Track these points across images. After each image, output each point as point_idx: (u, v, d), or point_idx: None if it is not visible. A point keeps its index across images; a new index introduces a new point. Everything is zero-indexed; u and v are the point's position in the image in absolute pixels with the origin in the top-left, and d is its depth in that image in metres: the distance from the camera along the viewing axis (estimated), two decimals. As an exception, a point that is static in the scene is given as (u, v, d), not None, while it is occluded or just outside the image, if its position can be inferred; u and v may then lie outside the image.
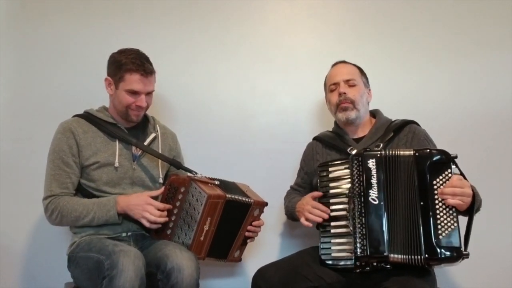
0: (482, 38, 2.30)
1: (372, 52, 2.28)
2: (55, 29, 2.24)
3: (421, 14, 2.32)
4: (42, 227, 2.14)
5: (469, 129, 2.26)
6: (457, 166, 1.60)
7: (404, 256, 1.55)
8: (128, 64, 1.74)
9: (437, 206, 1.54)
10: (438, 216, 1.53)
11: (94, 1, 2.26)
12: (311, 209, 1.73)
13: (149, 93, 1.82)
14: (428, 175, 1.56)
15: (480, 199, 1.65)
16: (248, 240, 1.89)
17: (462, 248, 1.52)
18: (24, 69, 2.23)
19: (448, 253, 1.51)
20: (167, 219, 1.72)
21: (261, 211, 1.87)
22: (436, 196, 1.55)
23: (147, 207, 1.68)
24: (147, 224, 1.68)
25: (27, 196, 2.12)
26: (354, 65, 1.97)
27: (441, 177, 1.56)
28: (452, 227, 1.52)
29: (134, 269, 1.48)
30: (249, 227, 1.84)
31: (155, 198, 1.73)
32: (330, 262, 1.69)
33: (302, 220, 1.75)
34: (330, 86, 1.94)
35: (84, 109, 1.89)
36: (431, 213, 1.54)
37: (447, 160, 1.57)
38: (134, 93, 1.77)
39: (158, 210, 1.68)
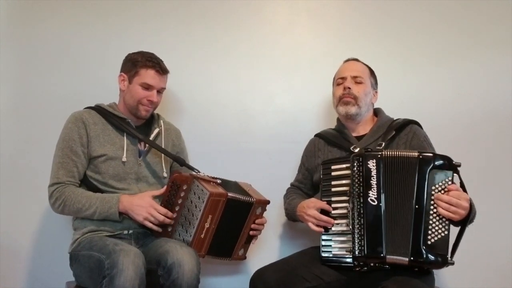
0: (483, 38, 2.30)
1: (372, 52, 2.27)
2: (55, 29, 2.24)
3: (421, 14, 2.31)
4: (43, 227, 2.15)
5: (470, 129, 2.26)
6: (458, 175, 1.58)
7: (400, 258, 1.56)
8: (144, 61, 1.83)
9: (431, 212, 1.54)
10: (431, 222, 1.54)
11: (94, 1, 2.26)
12: (318, 216, 1.72)
13: (159, 91, 1.88)
14: (427, 180, 1.55)
15: (475, 211, 1.62)
16: (253, 240, 1.90)
17: (448, 256, 1.52)
18: (24, 70, 2.23)
19: (433, 258, 1.51)
20: (169, 220, 1.74)
21: (264, 209, 1.88)
22: (432, 202, 1.54)
23: (150, 210, 1.69)
24: (150, 225, 1.70)
25: (28, 196, 2.12)
26: (366, 65, 1.97)
27: (440, 183, 1.55)
28: (443, 234, 1.52)
29: (134, 268, 1.49)
30: (252, 225, 1.85)
31: (157, 196, 1.75)
32: (330, 259, 1.69)
33: (313, 226, 1.74)
34: (337, 80, 1.94)
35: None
36: (424, 218, 1.54)
37: (449, 168, 1.56)
38: (147, 87, 1.83)
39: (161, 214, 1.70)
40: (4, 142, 2.18)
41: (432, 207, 1.54)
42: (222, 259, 1.87)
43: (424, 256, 1.51)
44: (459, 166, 1.56)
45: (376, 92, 1.97)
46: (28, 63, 2.23)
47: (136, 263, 1.51)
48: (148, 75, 1.82)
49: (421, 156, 1.58)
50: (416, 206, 1.55)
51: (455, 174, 1.56)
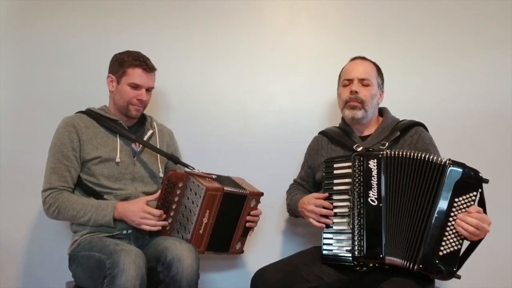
0: (483, 38, 2.29)
1: (372, 52, 2.25)
2: (55, 29, 2.24)
3: (421, 14, 2.31)
4: (43, 227, 2.15)
5: (470, 129, 2.26)
6: (482, 189, 1.53)
7: (401, 261, 1.56)
8: (131, 60, 1.83)
9: (449, 224, 1.51)
10: (446, 234, 1.51)
11: (94, 1, 2.26)
12: (317, 211, 1.72)
13: (148, 90, 1.88)
14: (452, 191, 1.51)
15: None
16: (250, 232, 1.89)
17: (455, 269, 1.51)
18: (24, 69, 2.23)
19: (441, 270, 1.50)
20: (165, 223, 1.74)
21: (258, 201, 1.88)
22: (452, 214, 1.51)
23: (144, 215, 1.69)
24: (147, 228, 1.70)
25: (28, 196, 2.11)
26: (373, 63, 1.92)
27: (464, 197, 1.51)
28: (456, 248, 1.51)
29: (135, 268, 1.50)
30: (247, 218, 1.85)
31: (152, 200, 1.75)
32: (331, 258, 1.69)
33: (314, 222, 1.73)
34: (344, 81, 1.88)
35: (84, 108, 1.90)
36: (441, 229, 1.51)
37: (477, 182, 1.52)
38: (135, 87, 1.83)
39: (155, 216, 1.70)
40: (4, 142, 2.18)
41: (451, 219, 1.51)
42: (220, 254, 1.87)
43: (433, 266, 1.50)
44: (487, 182, 1.52)
45: (383, 91, 1.92)
46: (28, 63, 2.23)
47: (137, 263, 1.52)
48: (136, 74, 1.82)
49: (451, 165, 1.53)
50: (436, 215, 1.52)
51: (479, 189, 1.52)
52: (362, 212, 1.61)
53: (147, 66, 1.84)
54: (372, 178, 1.61)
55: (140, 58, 1.84)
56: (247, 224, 1.86)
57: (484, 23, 2.30)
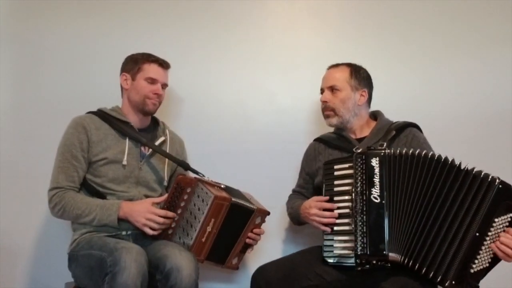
0: (486, 36, 2.30)
1: (372, 52, 2.28)
2: (56, 30, 2.24)
3: (422, 14, 2.32)
4: (43, 227, 2.15)
5: (471, 129, 2.26)
6: None
7: (407, 260, 1.55)
8: (146, 57, 1.87)
9: (485, 242, 1.51)
10: (481, 252, 1.51)
11: (94, 1, 2.26)
12: (320, 214, 1.72)
13: (163, 87, 1.90)
14: (495, 210, 1.50)
15: None
16: (248, 250, 1.88)
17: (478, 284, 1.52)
18: (25, 69, 2.23)
19: (471, 286, 1.50)
20: (170, 221, 1.72)
21: (263, 220, 1.86)
22: (489, 233, 1.51)
23: (150, 216, 1.68)
24: (150, 232, 1.69)
25: (28, 196, 2.12)
26: (348, 65, 1.92)
27: (503, 218, 1.51)
28: (485, 265, 1.51)
29: (136, 266, 1.49)
30: (249, 234, 1.83)
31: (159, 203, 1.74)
32: (332, 260, 1.69)
33: (318, 225, 1.73)
34: (320, 90, 1.96)
35: (86, 109, 1.90)
36: (477, 246, 1.51)
37: None
38: (152, 81, 1.86)
39: (160, 217, 1.69)
40: (4, 142, 2.17)
41: (487, 238, 1.50)
42: (215, 266, 1.84)
43: (466, 282, 1.50)
44: None
45: (364, 91, 1.90)
46: (28, 63, 2.23)
47: (139, 261, 1.51)
48: (152, 69, 1.86)
49: (500, 185, 1.51)
50: (477, 234, 1.51)
51: None
52: (365, 209, 1.60)
53: (163, 62, 1.89)
54: (375, 176, 1.62)
55: (154, 56, 1.89)
56: (247, 241, 1.84)
57: (484, 23, 2.31)
